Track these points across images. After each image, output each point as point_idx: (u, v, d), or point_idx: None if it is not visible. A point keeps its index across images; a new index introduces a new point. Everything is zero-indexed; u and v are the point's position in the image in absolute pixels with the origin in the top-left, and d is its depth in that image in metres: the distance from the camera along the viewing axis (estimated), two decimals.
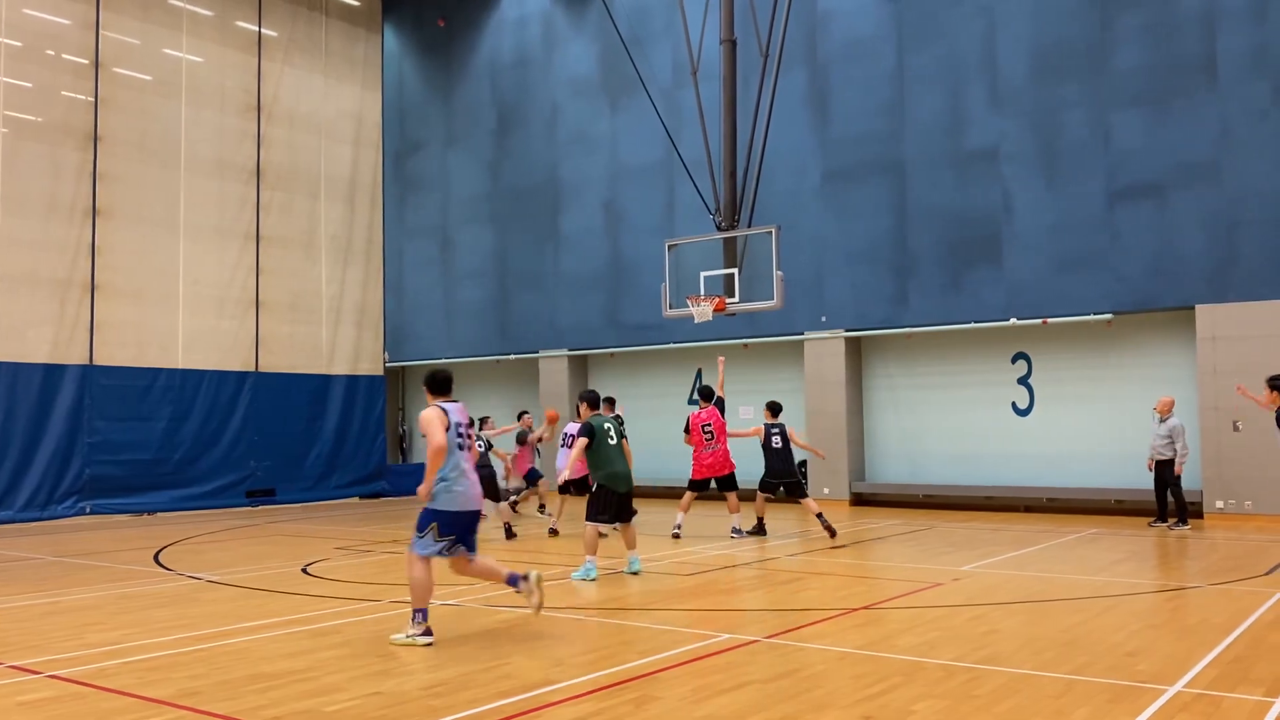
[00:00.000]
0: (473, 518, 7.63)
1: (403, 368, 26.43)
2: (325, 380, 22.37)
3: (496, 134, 24.41)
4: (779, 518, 15.51)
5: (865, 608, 8.46)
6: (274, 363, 21.45)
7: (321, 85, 22.74)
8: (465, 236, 24.89)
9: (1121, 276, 16.57)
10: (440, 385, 7.95)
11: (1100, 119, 16.82)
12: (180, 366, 20.00)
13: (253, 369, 21.07)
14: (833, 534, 13.22)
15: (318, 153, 22.58)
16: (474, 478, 7.70)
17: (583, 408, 10.84)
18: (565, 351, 22.90)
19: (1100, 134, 16.81)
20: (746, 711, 5.42)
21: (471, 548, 7.61)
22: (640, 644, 7.19)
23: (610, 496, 10.30)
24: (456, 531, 7.49)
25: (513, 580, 7.56)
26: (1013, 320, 17.45)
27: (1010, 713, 5.36)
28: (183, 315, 20.11)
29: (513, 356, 23.94)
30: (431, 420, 7.49)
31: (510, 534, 14.08)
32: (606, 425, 10.37)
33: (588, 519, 10.35)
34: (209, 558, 12.76)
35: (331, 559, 12.25)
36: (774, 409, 14.38)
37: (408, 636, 7.25)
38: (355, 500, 22.25)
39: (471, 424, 7.97)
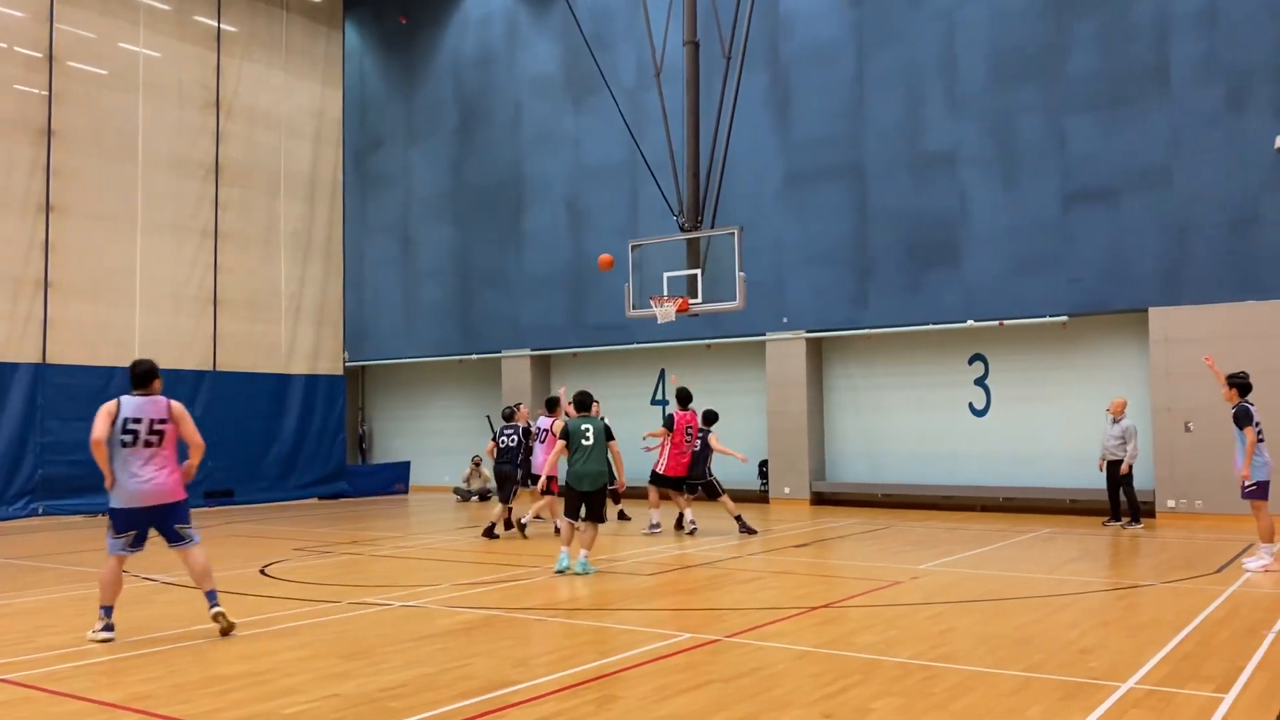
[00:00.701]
0: (148, 514, 7.56)
1: (363, 367, 26.24)
2: (284, 380, 22.13)
3: (459, 132, 24.31)
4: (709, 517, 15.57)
5: (825, 606, 8.53)
6: (232, 361, 21.19)
7: (282, 81, 22.49)
8: (427, 235, 24.76)
9: (1076, 279, 16.82)
10: (136, 378, 7.82)
11: (1056, 123, 17.07)
12: None
13: (210, 368, 20.80)
14: (752, 533, 13.94)
15: (277, 149, 22.33)
16: (146, 474, 7.54)
17: (570, 408, 11.23)
18: (528, 351, 22.86)
19: (1056, 138, 17.06)
20: (708, 710, 5.45)
21: (170, 540, 7.63)
22: (602, 644, 7.20)
23: (574, 495, 10.54)
24: (134, 528, 7.52)
25: (210, 595, 7.53)
26: (970, 322, 17.66)
27: (966, 710, 5.43)
28: (138, 313, 19.81)
29: (475, 356, 23.85)
30: (99, 413, 7.53)
31: (510, 525, 14.34)
32: (584, 427, 10.55)
33: (563, 514, 10.76)
34: (165, 559, 12.57)
35: (290, 560, 12.15)
36: (707, 418, 14.85)
37: (92, 633, 7.42)
38: (315, 501, 22.04)
39: (166, 420, 7.74)
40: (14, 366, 18.10)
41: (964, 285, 17.76)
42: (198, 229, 20.77)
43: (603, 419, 11.04)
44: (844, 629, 7.70)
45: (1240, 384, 10.90)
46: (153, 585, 10.35)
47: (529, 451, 14.65)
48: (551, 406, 14.79)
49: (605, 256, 15.43)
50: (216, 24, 21.29)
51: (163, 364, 20.95)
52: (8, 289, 18.15)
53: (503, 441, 14.53)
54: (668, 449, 14.47)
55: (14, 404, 18.12)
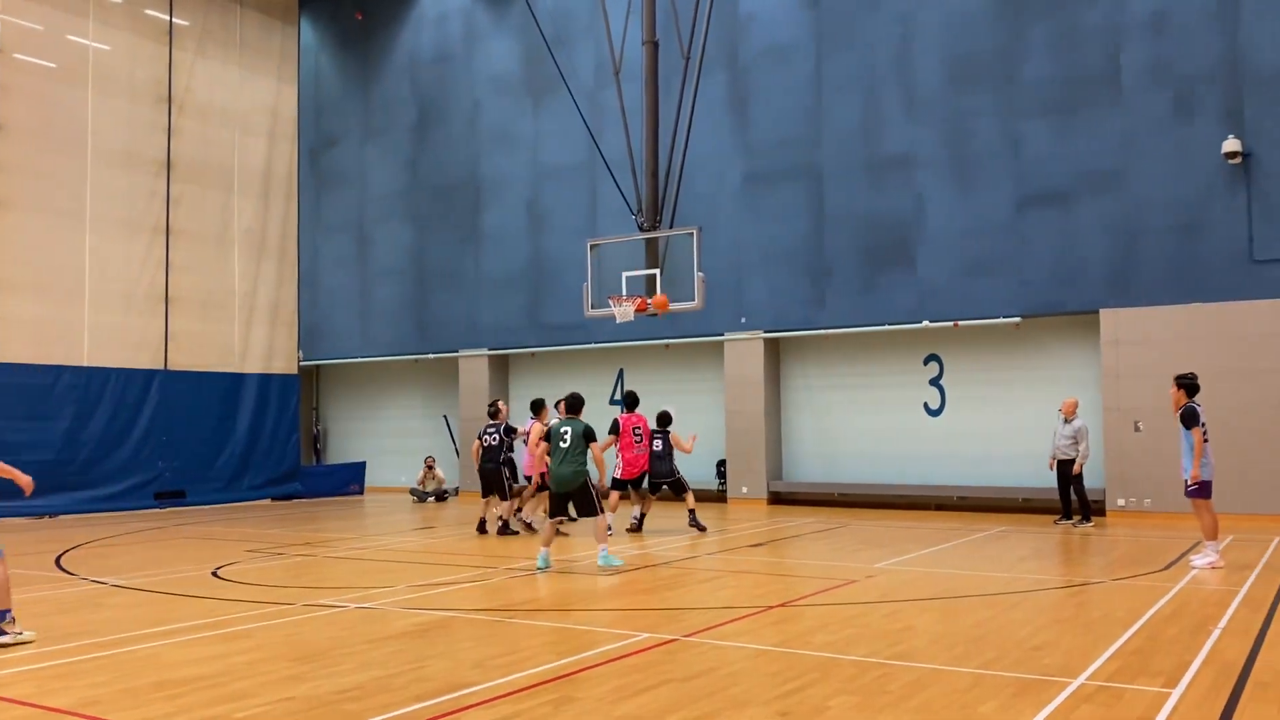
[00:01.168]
0: None
1: (317, 367, 25.98)
2: (237, 379, 21.84)
3: (416, 130, 24.15)
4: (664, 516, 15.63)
5: (781, 605, 8.57)
6: (184, 360, 20.87)
7: (236, 77, 22.20)
8: (382, 233, 24.56)
9: (1029, 281, 17.06)
10: None
11: (1010, 128, 17.30)
12: (85, 364, 19.36)
13: (161, 367, 20.48)
14: (701, 529, 14.26)
15: (231, 146, 22.03)
16: None
17: (560, 407, 11.82)
18: (485, 351, 22.75)
19: (1009, 142, 17.29)
20: (665, 710, 5.45)
21: None
22: (559, 644, 7.18)
23: (553, 496, 11.12)
24: None
25: (1, 614, 7.34)
26: (925, 323, 17.84)
27: (922, 707, 5.48)
28: (88, 311, 19.46)
29: (431, 356, 23.70)
30: None
31: (482, 529, 14.59)
32: (564, 429, 11.02)
33: (547, 514, 11.39)
34: (114, 561, 12.39)
35: (243, 562, 11.99)
36: (661, 419, 15.15)
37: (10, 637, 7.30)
38: (268, 502, 21.78)
39: None
40: None
41: (919, 286, 17.94)
42: (149, 225, 20.43)
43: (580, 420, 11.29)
44: (800, 628, 7.74)
45: (1188, 385, 11.10)
46: (102, 588, 10.17)
47: (512, 449, 14.81)
48: (536, 409, 14.68)
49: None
50: (169, 18, 20.96)
51: (112, 363, 20.69)
52: None
53: (486, 440, 14.63)
54: (617, 452, 14.62)
55: None
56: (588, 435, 11.02)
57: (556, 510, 11.05)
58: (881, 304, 18.25)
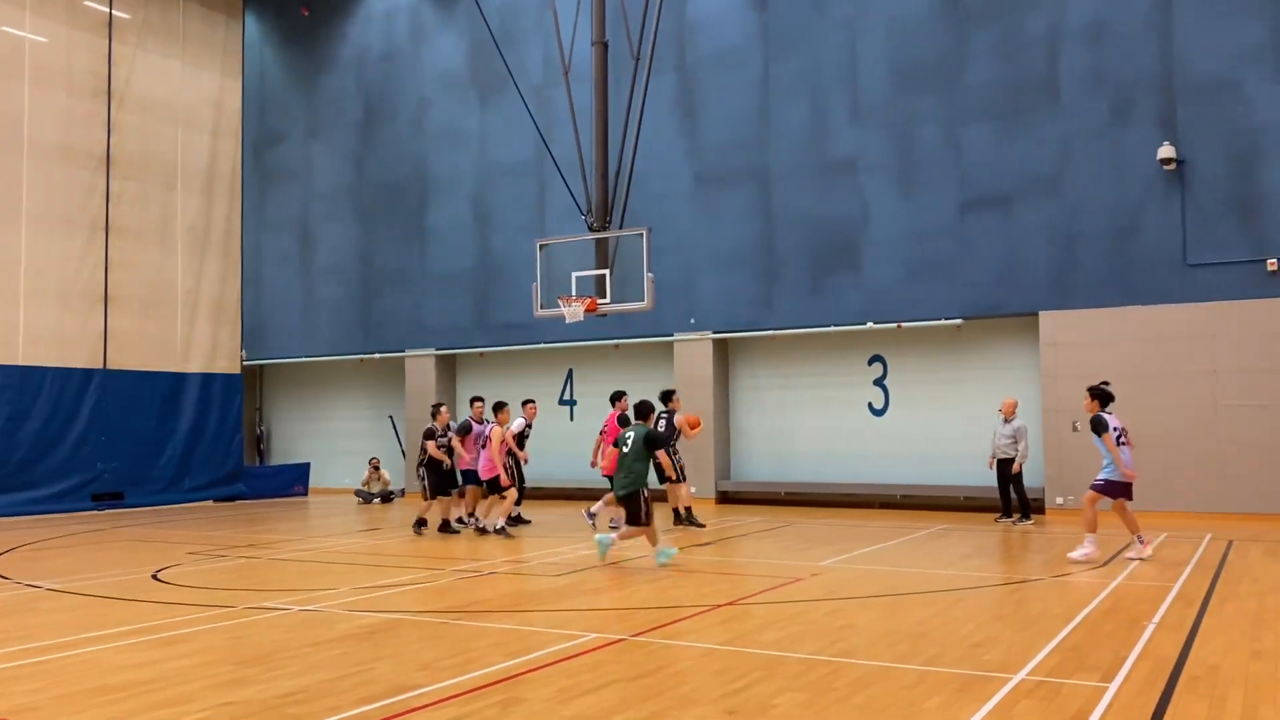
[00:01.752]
0: None
1: (261, 366, 25.62)
2: (179, 378, 21.46)
3: (362, 127, 23.91)
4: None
5: (729, 604, 8.63)
6: (124, 360, 20.45)
7: (178, 71, 21.80)
8: (327, 231, 24.29)
9: (971, 283, 17.34)
10: None
11: (953, 132, 17.57)
12: (20, 363, 18.90)
13: (100, 366, 20.05)
14: (700, 526, 14.56)
15: (173, 141, 21.63)
16: None
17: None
18: (432, 351, 22.60)
19: (953, 147, 17.56)
20: (612, 710, 5.47)
21: None
22: (506, 646, 7.17)
23: (618, 499, 11.11)
24: None
25: None
26: (870, 324, 18.06)
27: (866, 704, 5.56)
28: (23, 309, 18.99)
29: (377, 356, 23.49)
30: None
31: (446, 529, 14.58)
32: (627, 435, 10.97)
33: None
34: (50, 564, 12.12)
35: (184, 564, 11.80)
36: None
37: None
38: (210, 504, 21.43)
39: None
40: None
41: (864, 288, 18.16)
42: (87, 222, 19.99)
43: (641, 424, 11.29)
44: (747, 626, 7.81)
45: (1100, 394, 11.39)
46: (37, 592, 9.94)
47: (451, 453, 14.83)
48: (498, 409, 14.52)
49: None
50: (109, 10, 20.53)
51: (49, 361, 20.22)
52: None
53: (441, 443, 14.88)
54: (604, 448, 14.68)
55: None
56: (649, 441, 10.92)
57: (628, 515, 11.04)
58: (828, 305, 18.44)
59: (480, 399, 15.36)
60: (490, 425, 14.52)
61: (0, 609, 9.04)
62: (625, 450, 10.87)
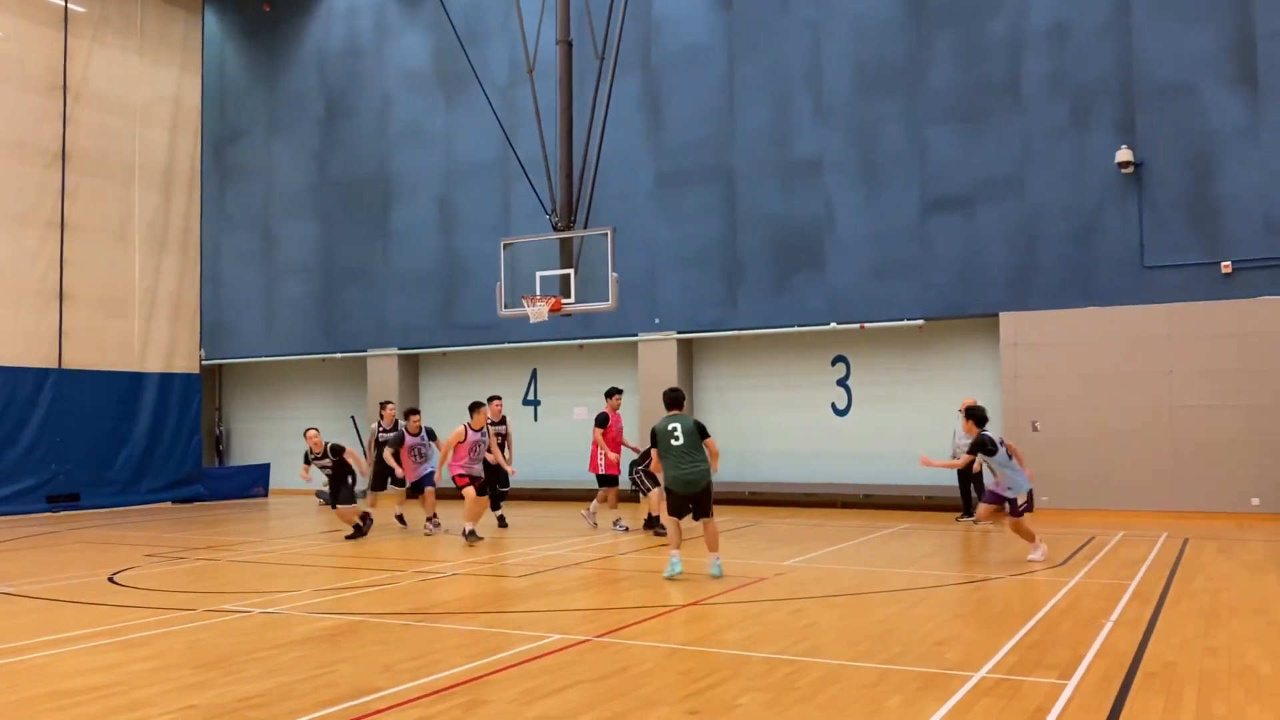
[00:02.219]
0: None
1: (220, 365, 25.31)
2: (137, 378, 21.12)
3: (324, 124, 23.69)
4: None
5: (693, 604, 8.64)
6: (80, 359, 20.10)
7: (136, 66, 21.44)
8: (289, 229, 24.04)
9: (933, 284, 17.49)
10: None
11: (916, 134, 17.71)
12: None
13: (55, 366, 19.70)
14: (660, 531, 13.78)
15: (131, 137, 21.27)
16: None
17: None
18: (395, 350, 22.44)
19: (916, 148, 17.70)
20: (576, 711, 5.46)
21: None
22: (470, 647, 7.13)
23: (676, 498, 10.16)
24: None
25: None
26: (833, 324, 18.16)
27: (830, 702, 5.58)
28: None
29: (339, 355, 23.28)
30: None
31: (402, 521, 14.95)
32: (672, 427, 10.13)
33: (667, 514, 10.56)
34: (3, 568, 11.89)
35: (141, 567, 11.63)
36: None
37: None
38: (168, 505, 21.13)
39: None
40: None
41: (828, 289, 18.26)
42: (41, 219, 19.62)
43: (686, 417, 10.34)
44: (711, 626, 7.82)
45: (976, 417, 11.43)
46: None
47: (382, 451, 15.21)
48: (473, 410, 14.20)
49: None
50: (64, 4, 20.17)
51: (2, 360, 19.79)
52: None
53: (382, 437, 15.35)
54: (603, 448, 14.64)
55: None
56: (701, 431, 10.17)
57: (680, 510, 10.17)
58: (792, 306, 18.52)
59: (417, 411, 15.60)
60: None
61: None
62: (678, 443, 10.03)
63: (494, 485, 14.64)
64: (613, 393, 15.01)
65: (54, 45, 19.99)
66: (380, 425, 15.85)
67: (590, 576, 10.59)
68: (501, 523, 14.94)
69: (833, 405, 18.81)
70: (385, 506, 15.84)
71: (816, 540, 13.36)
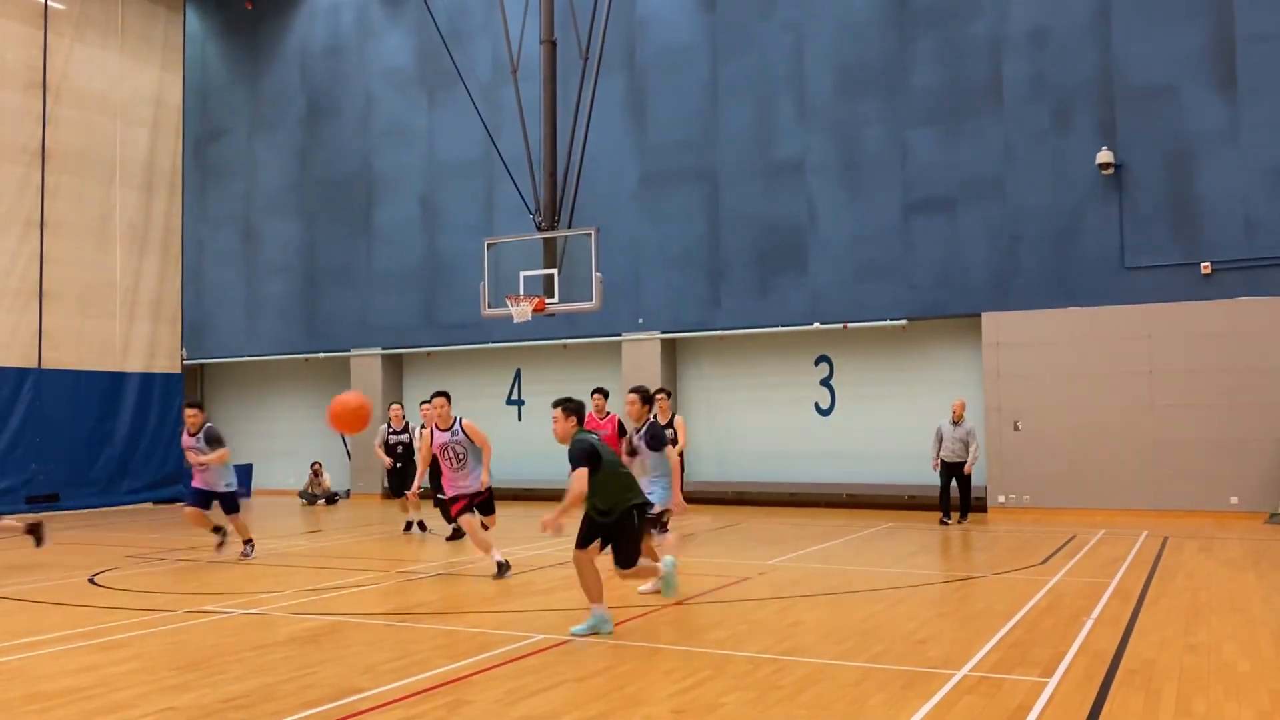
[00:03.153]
0: None
1: (202, 365, 25.17)
2: (118, 378, 20.98)
3: (306, 123, 23.59)
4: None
5: (676, 604, 8.64)
6: (60, 359, 19.94)
7: (116, 64, 21.30)
8: (271, 228, 23.92)
9: (915, 285, 17.56)
10: None
11: (898, 135, 17.78)
12: None
13: (35, 365, 19.55)
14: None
15: (112, 135, 21.12)
16: None
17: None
18: (379, 350, 22.37)
19: (898, 149, 17.77)
20: (559, 711, 5.45)
21: None
22: (453, 648, 7.11)
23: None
24: None
25: None
26: (816, 324, 18.21)
27: (814, 700, 5.60)
28: None
29: (322, 355, 23.19)
30: None
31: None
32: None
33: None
34: None
35: (121, 568, 11.55)
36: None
37: None
38: (150, 506, 21.01)
39: None
40: None
41: (810, 289, 18.30)
42: (20, 218, 19.47)
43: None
44: (695, 625, 7.83)
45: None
46: None
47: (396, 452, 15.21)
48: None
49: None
50: (44, 1, 20.02)
51: None
52: None
53: (393, 440, 15.34)
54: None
55: None
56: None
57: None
58: (775, 306, 18.56)
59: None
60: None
61: None
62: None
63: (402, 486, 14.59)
64: (595, 393, 13.81)
65: (33, 42, 19.84)
66: (389, 427, 15.46)
67: (573, 576, 10.56)
68: (423, 527, 14.70)
69: (816, 405, 18.85)
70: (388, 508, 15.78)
71: (800, 540, 13.39)
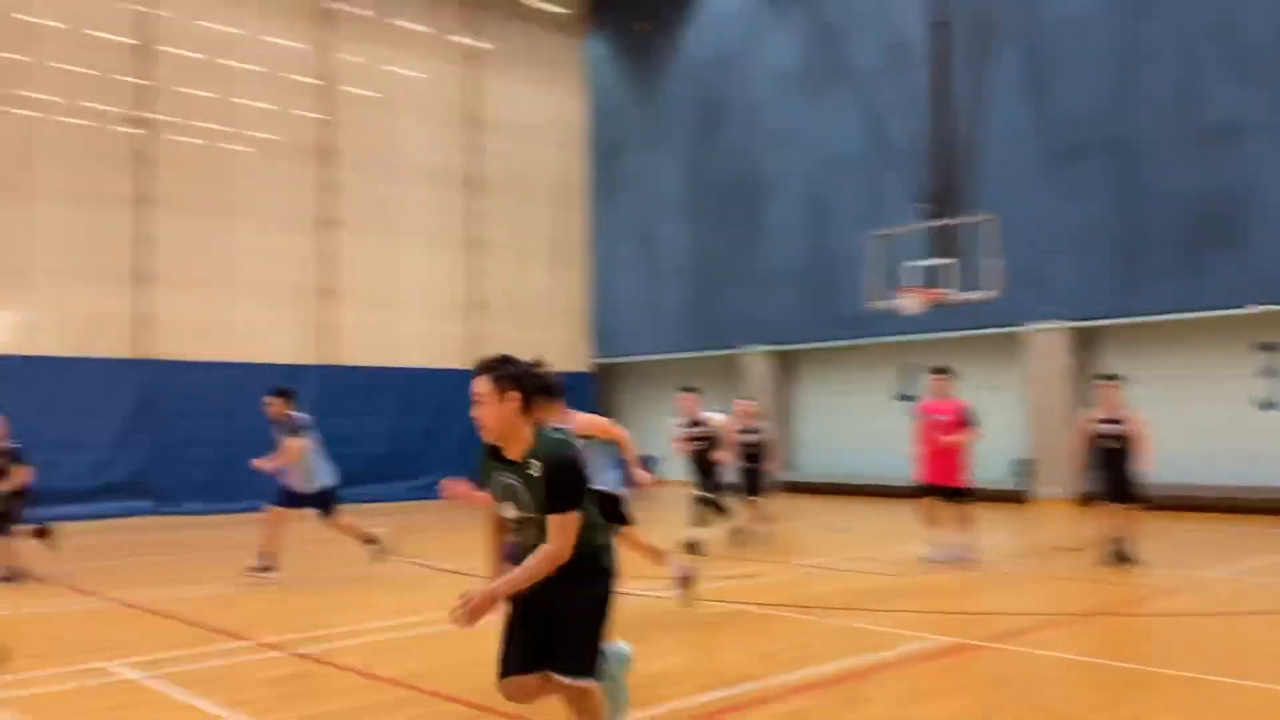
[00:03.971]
0: None
1: (606, 365, 26.96)
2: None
3: (697, 132, 24.51)
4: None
5: (1094, 614, 7.94)
6: None
7: (531, 93, 23.68)
8: (666, 234, 25.12)
9: None
10: None
11: None
12: (405, 365, 21.42)
13: (469, 367, 22.20)
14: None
15: (528, 159, 23.53)
16: None
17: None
18: (767, 347, 22.75)
19: None
20: (958, 714, 5.20)
21: None
22: (851, 644, 7.02)
23: None
24: None
25: None
26: (1255, 308, 16.00)
27: None
28: (412, 318, 21.54)
29: (713, 354, 23.99)
30: None
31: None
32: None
33: None
34: (436, 545, 13.16)
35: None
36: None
37: None
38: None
39: None
40: (304, 368, 19.97)
41: (1249, 268, 16.10)
42: (456, 239, 22.27)
43: None
44: (1115, 639, 7.16)
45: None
46: (426, 570, 10.88)
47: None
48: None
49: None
50: (471, 43, 22.59)
51: (431, 364, 22.20)
52: (293, 298, 20.23)
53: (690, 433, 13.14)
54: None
55: (308, 401, 20.00)
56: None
57: None
58: (1204, 288, 16.52)
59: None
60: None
61: (401, 584, 10.00)
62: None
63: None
64: (935, 372, 11.62)
65: (462, 80, 22.51)
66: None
67: (973, 579, 10.08)
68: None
69: (1252, 399, 16.60)
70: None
71: (1237, 549, 11.87)
